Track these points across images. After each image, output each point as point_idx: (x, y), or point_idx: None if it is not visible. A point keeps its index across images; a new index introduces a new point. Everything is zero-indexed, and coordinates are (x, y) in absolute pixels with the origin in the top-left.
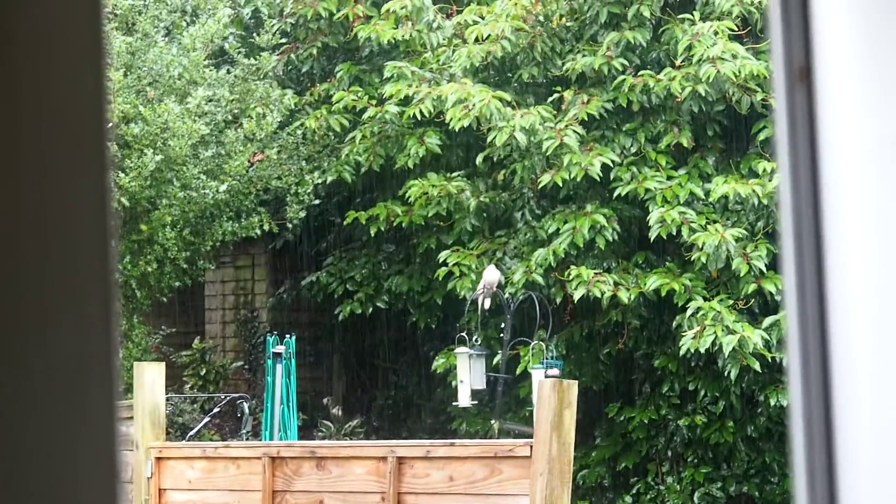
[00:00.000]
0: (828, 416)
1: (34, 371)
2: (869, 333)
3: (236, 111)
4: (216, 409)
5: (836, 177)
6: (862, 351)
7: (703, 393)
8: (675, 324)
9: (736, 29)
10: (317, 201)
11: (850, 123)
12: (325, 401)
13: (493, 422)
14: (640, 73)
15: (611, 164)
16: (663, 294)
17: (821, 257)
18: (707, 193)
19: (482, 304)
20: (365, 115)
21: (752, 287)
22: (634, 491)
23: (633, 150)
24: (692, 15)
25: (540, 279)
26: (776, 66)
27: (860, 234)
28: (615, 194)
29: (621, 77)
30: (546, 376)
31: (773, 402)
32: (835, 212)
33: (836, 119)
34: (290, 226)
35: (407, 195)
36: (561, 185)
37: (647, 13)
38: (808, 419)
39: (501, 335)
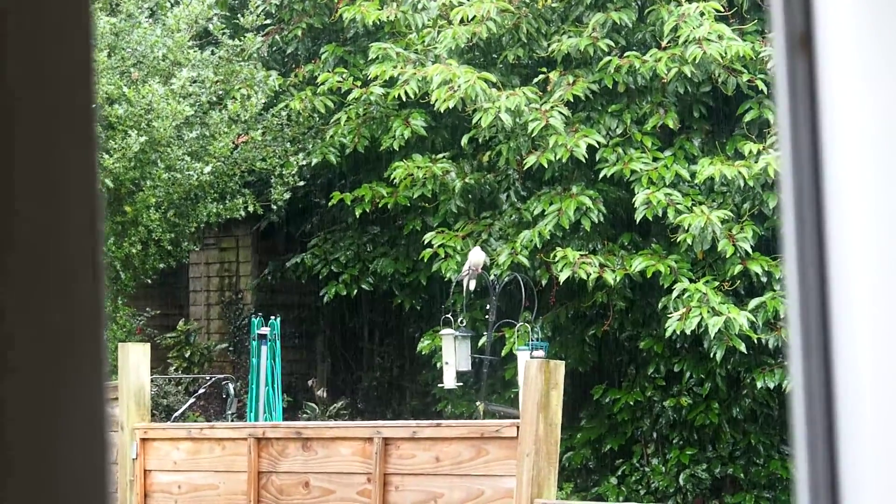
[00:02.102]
0: (829, 398)
1: (21, 347)
2: (872, 314)
3: (221, 92)
4: (201, 390)
5: (838, 147)
6: (864, 332)
7: (688, 375)
8: (660, 305)
9: (722, 10)
10: (301, 183)
11: (853, 92)
12: (309, 382)
13: (478, 403)
14: (625, 55)
15: (596, 146)
16: (649, 276)
17: (822, 232)
18: (693, 175)
19: (467, 286)
20: (350, 97)
21: (737, 268)
22: (620, 472)
23: (619, 131)
24: None
25: (525, 261)
26: (776, 33)
27: (863, 207)
28: (601, 176)
29: (607, 58)
30: (531, 358)
31: (758, 384)
32: (837, 184)
33: (838, 87)
34: (274, 207)
35: (392, 177)
36: (546, 166)
37: None
38: (810, 401)
39: (487, 317)
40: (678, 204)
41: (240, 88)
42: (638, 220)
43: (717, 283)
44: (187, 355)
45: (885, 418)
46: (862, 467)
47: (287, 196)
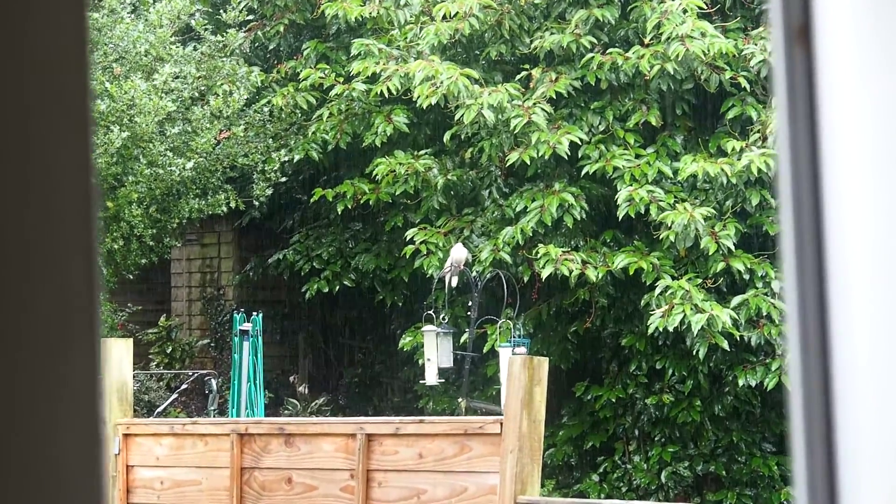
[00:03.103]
0: (827, 393)
1: (14, 334)
2: (871, 308)
3: (203, 88)
4: (184, 386)
5: (837, 141)
6: (863, 327)
7: (670, 372)
8: (643, 302)
9: (705, 7)
10: (283, 179)
11: (853, 85)
12: (291, 379)
13: (460, 400)
14: (608, 51)
15: (579, 143)
16: (631, 273)
17: (820, 226)
18: (675, 172)
19: (449, 283)
20: (332, 93)
21: (720, 266)
22: (601, 470)
23: (602, 128)
24: None
25: (507, 257)
26: (774, 26)
27: (862, 201)
28: (583, 172)
29: (590, 55)
30: (514, 355)
31: (740, 382)
32: (835, 178)
33: (837, 80)
34: (256, 203)
35: (374, 173)
36: (529, 163)
37: None
38: (808, 397)
39: (468, 313)
40: (661, 201)
41: (222, 84)
42: (620, 217)
43: (699, 281)
44: (169, 351)
45: (885, 414)
46: (860, 463)
47: (269, 192)
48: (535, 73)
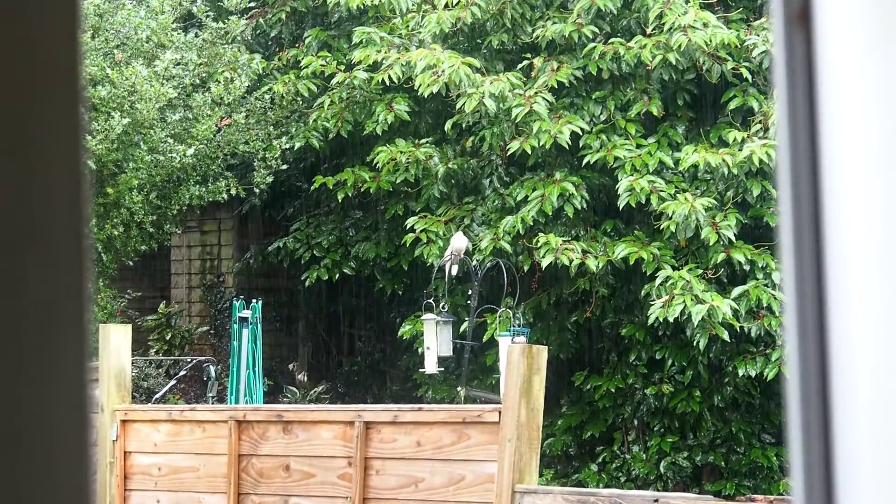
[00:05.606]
0: (824, 382)
1: (4, 326)
2: (869, 296)
3: (204, 75)
4: (182, 373)
5: (837, 126)
6: (861, 315)
7: (670, 362)
8: (643, 292)
9: None
10: (284, 166)
11: (853, 69)
12: (290, 366)
13: (459, 389)
14: (610, 41)
15: (580, 132)
16: (632, 262)
17: (819, 213)
18: (677, 162)
19: (449, 271)
20: (333, 81)
21: (720, 256)
22: (600, 460)
23: (603, 117)
24: None
25: (508, 246)
26: (774, 9)
27: (863, 187)
28: (584, 162)
29: (591, 44)
30: (513, 343)
31: (740, 373)
32: (835, 164)
33: (837, 64)
34: (257, 191)
35: (375, 161)
36: (530, 152)
37: None
38: (805, 386)
39: (468, 302)
40: (661, 191)
41: (223, 71)
42: (621, 207)
43: (700, 271)
44: (168, 338)
45: (881, 405)
46: (857, 454)
47: (270, 180)
48: (537, 62)
